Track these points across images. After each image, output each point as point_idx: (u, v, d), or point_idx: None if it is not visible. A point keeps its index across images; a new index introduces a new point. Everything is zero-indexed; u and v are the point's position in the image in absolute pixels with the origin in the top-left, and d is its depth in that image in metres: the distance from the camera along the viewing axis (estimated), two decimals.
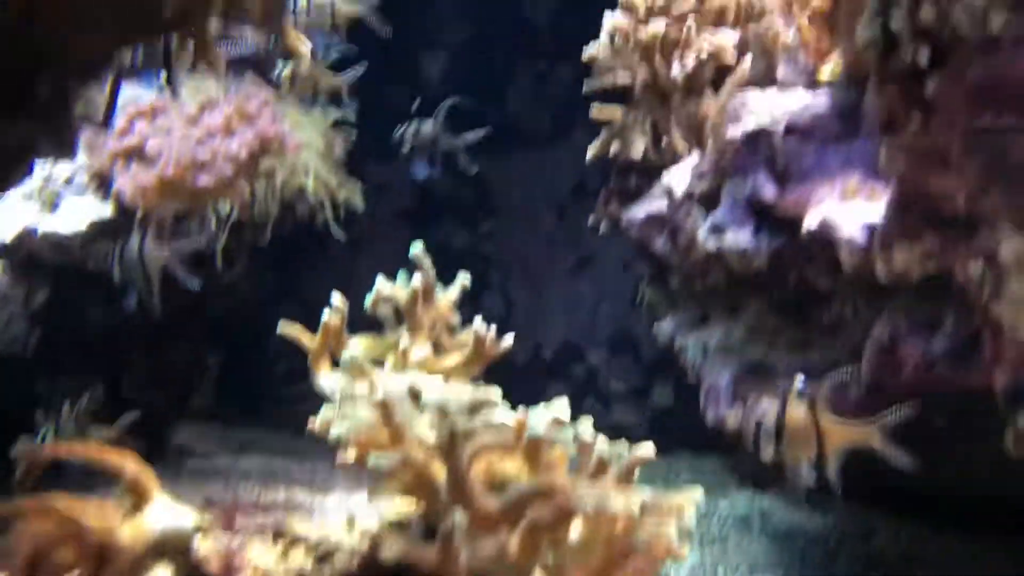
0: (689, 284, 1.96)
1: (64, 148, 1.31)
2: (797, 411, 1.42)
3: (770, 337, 1.69)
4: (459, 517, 1.17)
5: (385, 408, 1.26)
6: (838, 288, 1.54)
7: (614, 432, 1.46)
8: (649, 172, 2.27)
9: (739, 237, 1.55)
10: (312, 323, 1.52)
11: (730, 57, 1.65)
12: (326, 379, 1.51)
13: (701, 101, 1.66)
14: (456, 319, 1.61)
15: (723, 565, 1.84)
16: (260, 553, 1.39)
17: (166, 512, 1.34)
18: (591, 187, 3.65)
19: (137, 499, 1.32)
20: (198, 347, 2.44)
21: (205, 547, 1.34)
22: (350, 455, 1.34)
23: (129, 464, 1.32)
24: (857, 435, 1.38)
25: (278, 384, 2.88)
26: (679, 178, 1.74)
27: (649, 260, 2.32)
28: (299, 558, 1.37)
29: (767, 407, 1.55)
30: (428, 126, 2.68)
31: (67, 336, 1.90)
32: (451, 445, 1.20)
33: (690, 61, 1.64)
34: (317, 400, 1.46)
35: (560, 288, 3.33)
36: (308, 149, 2.35)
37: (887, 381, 1.41)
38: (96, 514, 1.30)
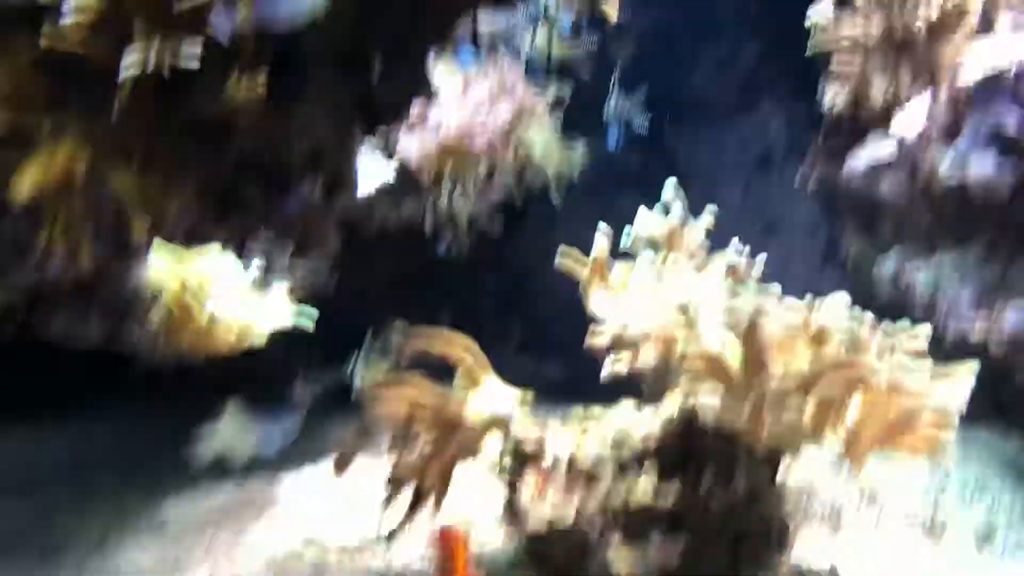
0: (911, 223, 2.10)
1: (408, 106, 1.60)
2: None
3: (1006, 260, 1.83)
4: (767, 385, 1.38)
5: (685, 309, 1.49)
6: None
7: None
8: (856, 130, 2.42)
9: (983, 168, 1.70)
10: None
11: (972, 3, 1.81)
12: (598, 300, 1.75)
13: (940, 46, 1.81)
14: (707, 244, 1.83)
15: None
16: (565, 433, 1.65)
17: (496, 391, 1.61)
18: (775, 159, 3.82)
19: (472, 377, 1.61)
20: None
21: (524, 429, 1.61)
22: (651, 352, 1.57)
23: (471, 348, 1.61)
24: None
25: None
26: (911, 121, 1.90)
27: (858, 211, 2.47)
28: (596, 444, 1.62)
29: (1015, 316, 1.70)
30: (620, 99, 2.91)
31: (362, 281, 2.22)
32: (752, 328, 1.41)
33: (934, 10, 1.80)
34: None
35: (745, 186, 3.51)
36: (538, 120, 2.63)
37: None
38: (444, 393, 1.59)
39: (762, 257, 1.72)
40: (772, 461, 1.55)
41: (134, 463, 2.33)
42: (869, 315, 1.45)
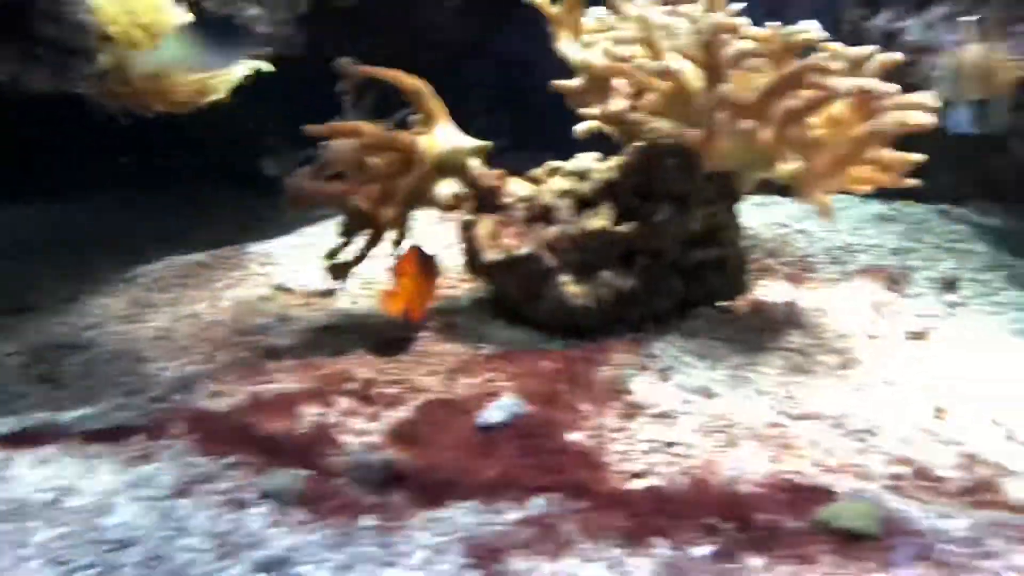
0: None
1: None
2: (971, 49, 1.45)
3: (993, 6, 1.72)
4: (722, 89, 1.32)
5: (643, 22, 1.42)
6: None
7: None
8: None
9: None
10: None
11: None
12: (567, 46, 1.66)
13: None
14: None
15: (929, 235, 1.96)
16: (521, 182, 1.62)
17: (451, 133, 1.57)
18: None
19: (428, 119, 1.56)
20: None
21: (480, 168, 1.58)
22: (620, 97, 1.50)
23: (423, 88, 1.55)
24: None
25: None
26: None
27: None
28: (560, 181, 1.58)
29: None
30: None
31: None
32: (711, 44, 1.34)
33: None
34: None
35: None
36: None
37: None
38: (396, 134, 1.54)
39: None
40: (729, 194, 1.52)
41: (111, 236, 2.36)
42: (838, 44, 1.37)
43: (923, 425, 1.24)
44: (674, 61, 1.39)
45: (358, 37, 2.12)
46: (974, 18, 1.32)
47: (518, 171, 1.64)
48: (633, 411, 1.24)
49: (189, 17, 1.71)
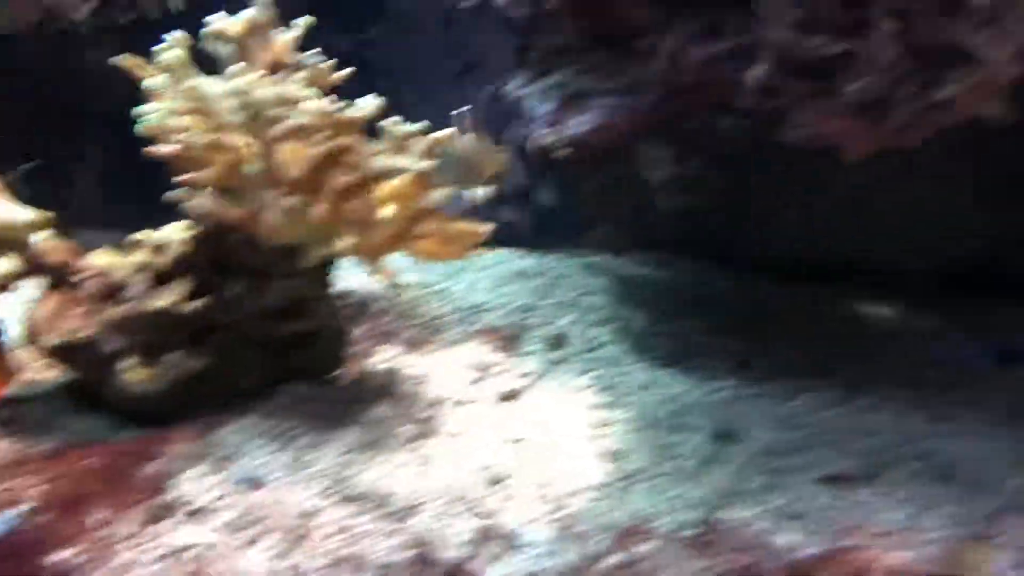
0: (543, 48, 2.06)
1: None
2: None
3: (595, 72, 1.81)
4: (261, 167, 1.29)
5: (194, 92, 1.36)
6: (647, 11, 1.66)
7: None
8: None
9: None
10: None
11: None
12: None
13: None
14: (295, 60, 1.69)
15: (561, 289, 2.03)
16: (101, 255, 1.51)
17: (7, 207, 1.44)
18: None
19: None
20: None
21: (47, 242, 1.46)
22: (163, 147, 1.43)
23: None
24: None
25: None
26: None
27: (517, 37, 2.41)
28: (140, 255, 1.49)
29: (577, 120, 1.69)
30: None
31: None
32: (257, 121, 1.31)
33: None
34: None
35: (447, 92, 3.41)
36: None
37: (674, 82, 1.55)
38: None
39: (350, 70, 1.55)
40: (319, 271, 1.49)
41: None
42: (399, 124, 1.37)
43: (469, 497, 1.24)
44: (226, 135, 1.34)
45: None
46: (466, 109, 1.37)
47: None
48: (162, 512, 1.16)
49: None
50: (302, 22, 1.69)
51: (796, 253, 2.21)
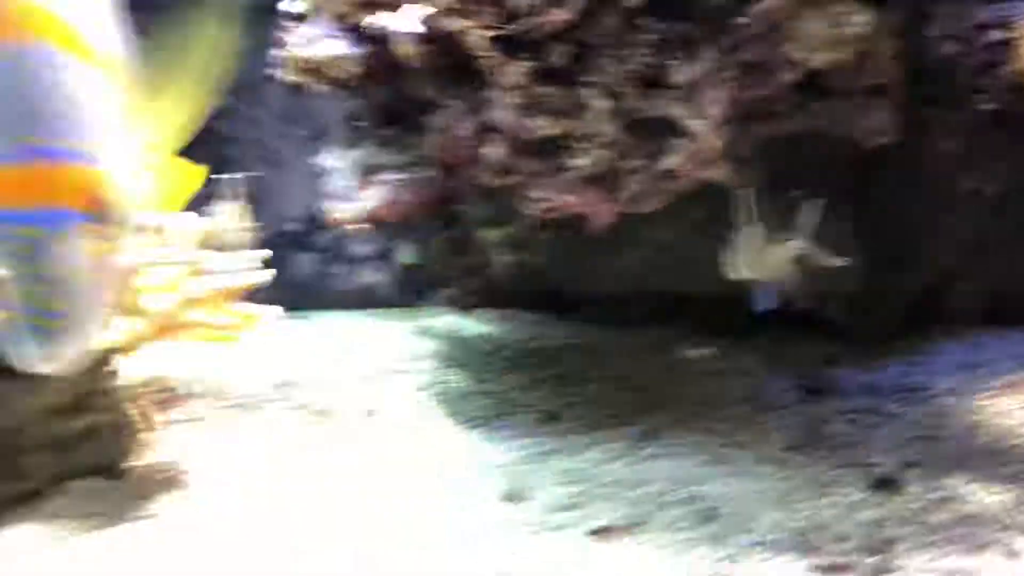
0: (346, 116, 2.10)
1: None
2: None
3: (388, 146, 1.87)
4: None
5: None
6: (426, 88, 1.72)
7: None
8: None
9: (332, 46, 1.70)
10: None
11: None
12: None
13: None
14: None
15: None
16: None
17: None
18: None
19: None
20: None
21: None
22: None
23: None
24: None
25: None
26: None
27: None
28: None
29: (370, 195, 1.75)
30: None
31: None
32: None
33: None
34: None
35: (299, 159, 3.43)
36: None
37: (446, 160, 1.61)
38: None
39: None
40: (99, 363, 1.49)
41: None
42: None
43: None
44: None
45: None
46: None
47: None
48: None
49: None
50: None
51: (617, 300, 2.30)
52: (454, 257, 2.52)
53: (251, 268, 1.40)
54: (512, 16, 1.49)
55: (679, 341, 2.22)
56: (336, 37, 1.72)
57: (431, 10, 1.53)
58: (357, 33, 1.73)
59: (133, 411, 1.57)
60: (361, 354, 2.13)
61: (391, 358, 2.10)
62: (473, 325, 2.48)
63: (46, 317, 0.84)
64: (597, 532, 1.31)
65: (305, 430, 1.74)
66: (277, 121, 3.54)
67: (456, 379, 2.00)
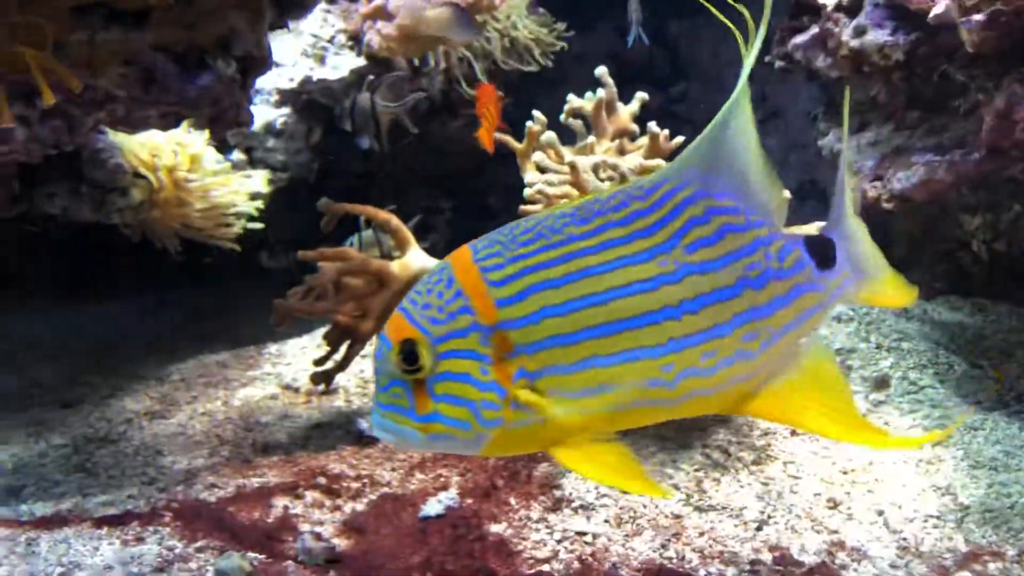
0: (855, 102, 2.19)
1: None
2: None
3: (911, 129, 1.93)
4: None
5: (573, 167, 1.66)
6: (969, 72, 1.76)
7: None
8: (818, 8, 2.49)
9: (878, 35, 1.80)
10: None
11: None
12: (529, 175, 1.92)
13: None
14: (636, 129, 1.97)
15: (876, 333, 2.13)
16: None
17: (421, 257, 1.83)
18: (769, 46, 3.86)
19: (400, 245, 1.82)
20: (434, 193, 2.95)
21: None
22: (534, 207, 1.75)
23: (393, 220, 1.82)
24: None
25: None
26: None
27: (824, 91, 2.56)
28: None
29: (901, 176, 1.82)
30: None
31: (338, 166, 2.45)
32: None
33: None
34: None
35: None
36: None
37: (1003, 142, 1.64)
38: (371, 260, 1.81)
39: (679, 139, 1.83)
40: None
41: (151, 337, 2.66)
42: None
43: (813, 515, 1.41)
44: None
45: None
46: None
47: None
48: (558, 504, 1.44)
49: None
50: (638, 96, 1.98)
51: None
52: (921, 243, 2.52)
53: None
54: None
55: None
56: (882, 27, 1.80)
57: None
58: (900, 21, 1.80)
59: None
60: (847, 330, 2.21)
61: (879, 335, 2.16)
62: (946, 312, 2.45)
63: None
64: None
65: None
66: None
67: (953, 362, 2.02)
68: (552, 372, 0.82)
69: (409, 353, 0.83)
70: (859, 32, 1.81)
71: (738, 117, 0.87)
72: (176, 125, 1.60)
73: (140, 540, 1.29)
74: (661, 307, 0.83)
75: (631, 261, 0.83)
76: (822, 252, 0.89)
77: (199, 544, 1.26)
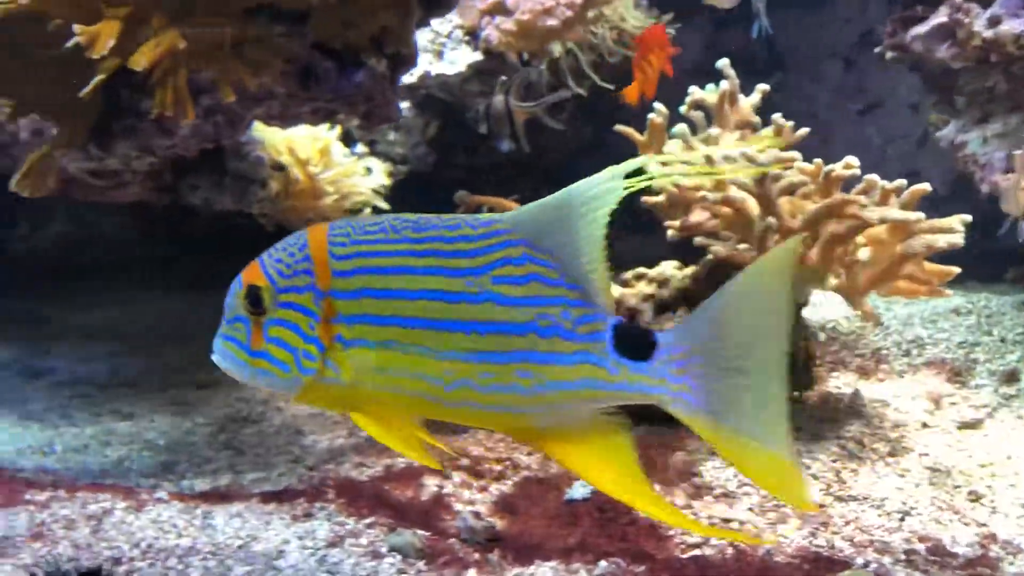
0: (972, 92, 2.17)
1: None
2: None
3: None
4: (771, 220, 1.58)
5: (709, 159, 1.69)
6: None
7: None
8: None
9: (1014, 24, 1.78)
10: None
11: None
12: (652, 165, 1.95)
13: None
14: (757, 120, 1.98)
15: (999, 327, 2.10)
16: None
17: None
18: (877, 36, 3.80)
19: None
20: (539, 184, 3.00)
21: None
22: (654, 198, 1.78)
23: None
24: None
25: None
26: None
27: (934, 81, 2.52)
28: (643, 287, 1.86)
29: None
30: None
31: (453, 158, 2.51)
32: (762, 181, 1.60)
33: None
34: None
35: (847, 133, 3.54)
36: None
37: None
38: None
39: (804, 130, 1.83)
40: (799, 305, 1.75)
41: None
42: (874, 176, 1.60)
43: (956, 507, 1.42)
44: (734, 191, 1.65)
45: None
46: None
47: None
48: (700, 491, 1.47)
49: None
50: (759, 88, 2.00)
51: None
52: None
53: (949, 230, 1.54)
54: None
55: None
56: (1019, 16, 1.78)
57: None
58: None
59: (809, 347, 1.82)
60: (966, 323, 2.19)
61: (1002, 329, 2.14)
62: None
63: None
64: None
65: (946, 386, 1.87)
66: (831, 95, 3.70)
67: None
68: (360, 344, 0.95)
69: (255, 296, 0.96)
70: (994, 22, 1.79)
71: (596, 209, 0.93)
72: (326, 121, 1.67)
73: (309, 516, 1.36)
74: (456, 319, 0.93)
75: (445, 273, 0.93)
76: (632, 340, 0.93)
77: (368, 520, 1.32)
